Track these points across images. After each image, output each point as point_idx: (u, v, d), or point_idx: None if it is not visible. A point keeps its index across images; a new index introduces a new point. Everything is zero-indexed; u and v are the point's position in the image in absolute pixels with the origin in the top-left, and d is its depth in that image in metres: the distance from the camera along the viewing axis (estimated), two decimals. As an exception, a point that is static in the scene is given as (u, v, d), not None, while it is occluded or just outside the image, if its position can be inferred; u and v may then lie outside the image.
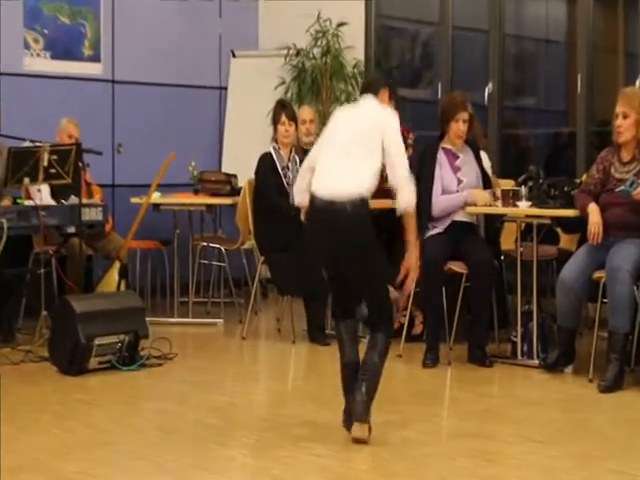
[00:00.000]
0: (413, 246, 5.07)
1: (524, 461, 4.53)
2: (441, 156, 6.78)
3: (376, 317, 4.96)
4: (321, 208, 4.86)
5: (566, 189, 6.42)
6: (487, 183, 6.81)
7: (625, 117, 6.05)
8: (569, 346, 6.19)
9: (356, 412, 4.73)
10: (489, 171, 7.06)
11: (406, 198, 4.93)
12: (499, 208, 6.59)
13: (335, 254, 4.95)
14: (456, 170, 6.75)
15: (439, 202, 6.67)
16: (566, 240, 7.02)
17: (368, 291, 5.00)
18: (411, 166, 7.41)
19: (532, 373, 6.28)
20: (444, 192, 6.69)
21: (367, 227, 4.89)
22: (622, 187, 5.94)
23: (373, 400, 4.75)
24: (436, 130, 6.92)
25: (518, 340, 6.50)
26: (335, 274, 5.06)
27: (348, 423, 4.80)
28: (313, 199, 4.91)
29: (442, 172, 6.73)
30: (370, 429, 4.71)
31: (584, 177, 6.66)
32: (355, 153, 4.94)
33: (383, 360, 4.85)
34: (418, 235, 6.59)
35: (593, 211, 6.03)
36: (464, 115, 6.72)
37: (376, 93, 5.18)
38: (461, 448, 4.69)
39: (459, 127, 6.72)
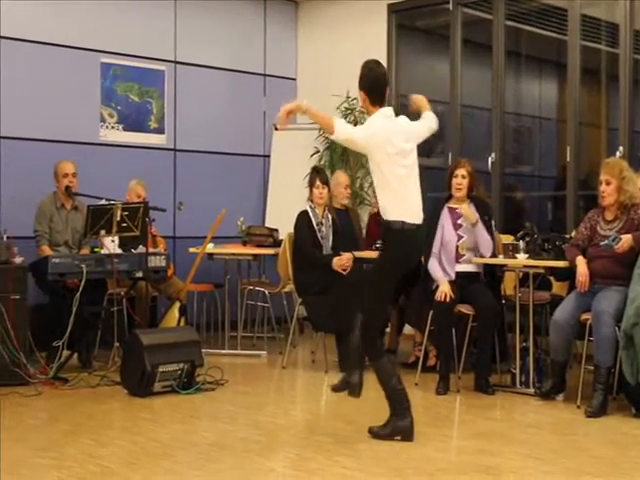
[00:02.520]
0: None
1: (523, 475, 4.51)
2: (445, 214, 6.80)
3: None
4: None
5: (557, 243, 6.41)
6: (491, 234, 6.79)
7: (608, 184, 6.06)
8: (560, 377, 6.17)
9: None
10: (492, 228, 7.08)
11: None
12: (501, 259, 6.60)
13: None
14: (457, 228, 6.75)
15: (430, 264, 6.68)
16: (558, 287, 6.95)
17: None
18: None
19: (529, 400, 6.25)
20: (445, 247, 6.70)
21: None
22: (605, 241, 5.94)
23: None
24: (446, 192, 6.94)
25: (517, 372, 6.47)
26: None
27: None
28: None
29: (445, 229, 6.74)
30: None
31: (573, 233, 6.65)
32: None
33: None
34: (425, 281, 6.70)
35: (580, 263, 6.04)
36: (461, 171, 6.76)
37: (383, 98, 5.15)
38: (469, 464, 4.68)
39: (457, 181, 6.76)
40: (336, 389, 5.36)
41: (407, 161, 5.10)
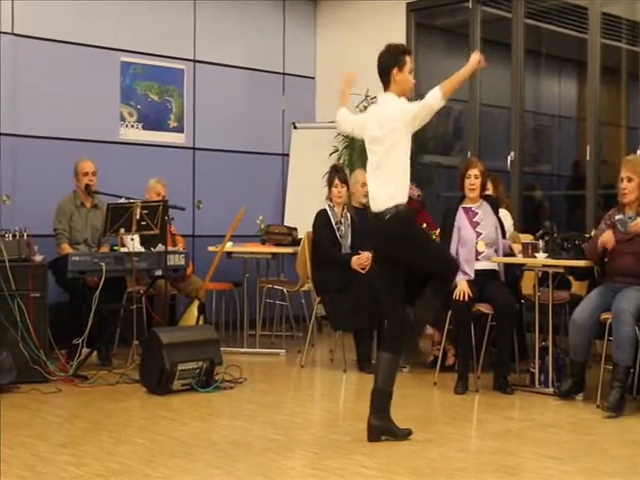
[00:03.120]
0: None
1: (542, 475, 4.48)
2: (460, 215, 6.78)
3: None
4: None
5: (577, 242, 6.37)
6: (502, 231, 6.80)
7: (629, 181, 6.03)
8: (580, 377, 6.13)
9: None
10: (510, 228, 7.04)
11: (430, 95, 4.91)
12: (520, 258, 6.58)
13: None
14: (475, 225, 6.73)
15: None
16: (577, 286, 6.93)
17: None
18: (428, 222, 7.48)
19: (548, 400, 6.23)
20: (464, 246, 6.67)
21: None
22: (620, 216, 5.90)
23: None
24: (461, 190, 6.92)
25: (536, 371, 6.45)
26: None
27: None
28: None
29: (462, 231, 6.72)
30: None
31: (593, 232, 6.63)
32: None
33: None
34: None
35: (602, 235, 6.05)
36: (474, 171, 6.74)
37: (388, 81, 5.07)
38: (488, 463, 4.66)
39: (470, 181, 6.75)
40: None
41: (381, 147, 5.04)
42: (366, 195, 7.74)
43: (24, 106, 8.07)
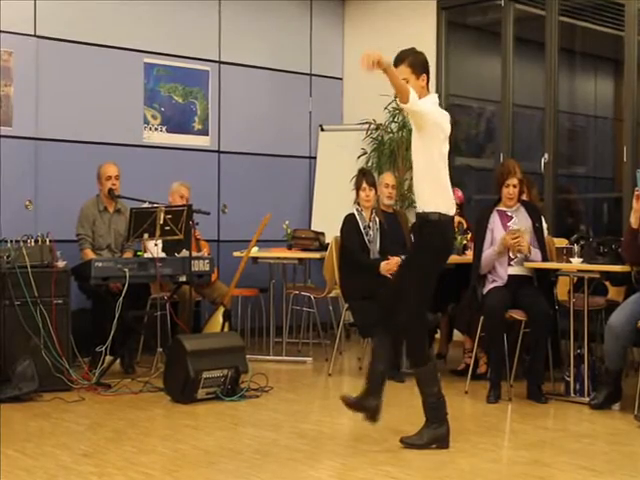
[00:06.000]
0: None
1: (576, 487, 4.49)
2: (495, 218, 6.76)
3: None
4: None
5: (613, 247, 6.33)
6: (542, 242, 6.76)
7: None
8: (616, 386, 6.09)
9: None
10: (545, 232, 7.01)
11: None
12: (554, 263, 6.55)
13: None
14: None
15: (482, 259, 6.66)
16: (614, 292, 6.89)
17: None
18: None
19: (583, 409, 6.19)
20: None
21: None
22: None
23: None
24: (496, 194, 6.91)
25: (571, 380, 6.42)
26: None
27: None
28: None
29: (495, 233, 6.71)
30: None
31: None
32: None
33: None
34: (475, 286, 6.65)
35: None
36: (513, 180, 6.71)
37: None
38: (521, 474, 4.64)
39: (508, 191, 6.73)
40: (350, 404, 5.27)
41: (446, 149, 5.15)
42: (389, 197, 7.79)
43: (46, 109, 8.14)
